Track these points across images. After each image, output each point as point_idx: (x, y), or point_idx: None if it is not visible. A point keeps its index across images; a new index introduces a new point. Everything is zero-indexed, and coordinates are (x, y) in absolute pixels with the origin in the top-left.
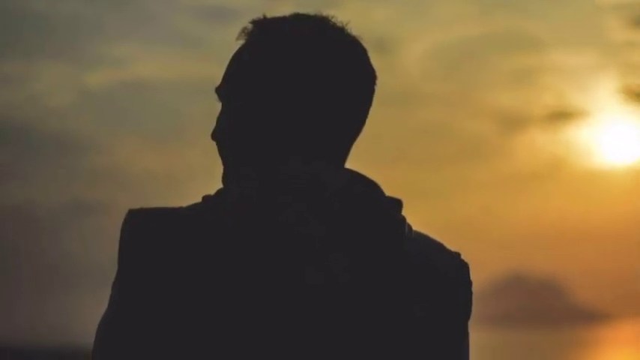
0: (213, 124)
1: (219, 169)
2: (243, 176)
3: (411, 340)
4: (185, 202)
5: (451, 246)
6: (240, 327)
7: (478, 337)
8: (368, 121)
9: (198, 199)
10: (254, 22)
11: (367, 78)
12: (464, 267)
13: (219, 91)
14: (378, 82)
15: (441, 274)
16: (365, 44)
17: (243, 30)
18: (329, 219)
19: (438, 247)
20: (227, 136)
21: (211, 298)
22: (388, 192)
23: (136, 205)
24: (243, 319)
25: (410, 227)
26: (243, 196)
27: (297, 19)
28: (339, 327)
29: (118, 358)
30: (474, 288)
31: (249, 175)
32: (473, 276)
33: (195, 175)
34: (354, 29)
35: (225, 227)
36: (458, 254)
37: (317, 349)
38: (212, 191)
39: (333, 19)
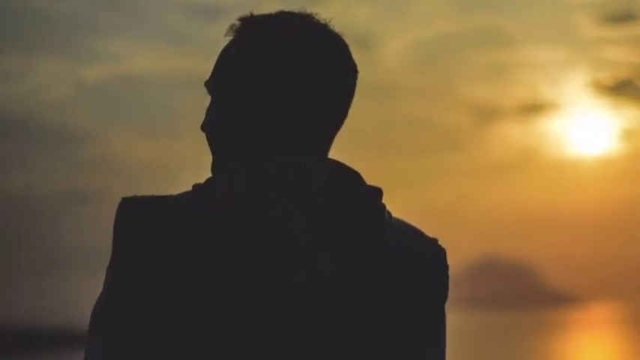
0: (202, 116)
1: (208, 158)
2: (231, 169)
3: (392, 324)
4: (176, 190)
5: (429, 232)
6: (224, 319)
7: (455, 319)
8: (350, 114)
9: (189, 188)
10: (241, 20)
11: (349, 72)
12: (441, 252)
13: (208, 85)
14: (360, 76)
15: (420, 259)
16: (347, 40)
17: (231, 27)
18: (314, 214)
19: (417, 233)
20: (215, 128)
21: (199, 285)
22: (369, 181)
23: (130, 193)
24: (227, 311)
25: (390, 214)
26: (231, 191)
27: (283, 16)
28: (323, 322)
29: (112, 339)
30: (451, 272)
31: (236, 168)
32: (450, 261)
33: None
34: (336, 26)
35: (213, 216)
36: (435, 240)
37: (299, 345)
38: (202, 180)
39: (316, 17)
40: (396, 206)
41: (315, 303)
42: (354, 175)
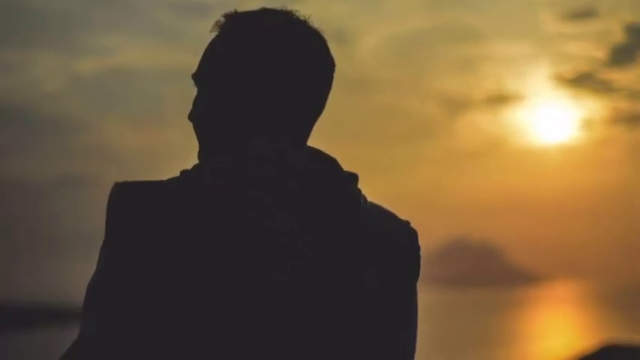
0: (190, 106)
1: (195, 146)
2: (215, 165)
3: (368, 307)
4: (165, 175)
5: (402, 215)
6: (207, 312)
7: (426, 297)
8: (328, 105)
9: (177, 173)
10: (226, 16)
11: (327, 66)
12: (413, 234)
13: (195, 77)
14: (337, 69)
15: (393, 241)
16: (325, 36)
17: (217, 23)
18: (295, 205)
19: (390, 216)
20: (202, 118)
21: (183, 270)
22: (346, 168)
23: (122, 179)
24: (211, 304)
25: (365, 199)
26: (215, 186)
27: (265, 13)
28: (303, 315)
29: (105, 314)
30: (422, 253)
31: (220, 164)
32: (421, 242)
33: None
34: (315, 22)
35: (200, 202)
36: (408, 222)
37: (280, 338)
38: (189, 166)
39: (296, 13)
40: (372, 191)
41: (295, 297)
42: (331, 162)
